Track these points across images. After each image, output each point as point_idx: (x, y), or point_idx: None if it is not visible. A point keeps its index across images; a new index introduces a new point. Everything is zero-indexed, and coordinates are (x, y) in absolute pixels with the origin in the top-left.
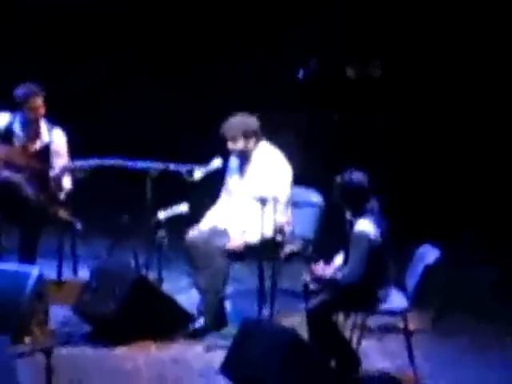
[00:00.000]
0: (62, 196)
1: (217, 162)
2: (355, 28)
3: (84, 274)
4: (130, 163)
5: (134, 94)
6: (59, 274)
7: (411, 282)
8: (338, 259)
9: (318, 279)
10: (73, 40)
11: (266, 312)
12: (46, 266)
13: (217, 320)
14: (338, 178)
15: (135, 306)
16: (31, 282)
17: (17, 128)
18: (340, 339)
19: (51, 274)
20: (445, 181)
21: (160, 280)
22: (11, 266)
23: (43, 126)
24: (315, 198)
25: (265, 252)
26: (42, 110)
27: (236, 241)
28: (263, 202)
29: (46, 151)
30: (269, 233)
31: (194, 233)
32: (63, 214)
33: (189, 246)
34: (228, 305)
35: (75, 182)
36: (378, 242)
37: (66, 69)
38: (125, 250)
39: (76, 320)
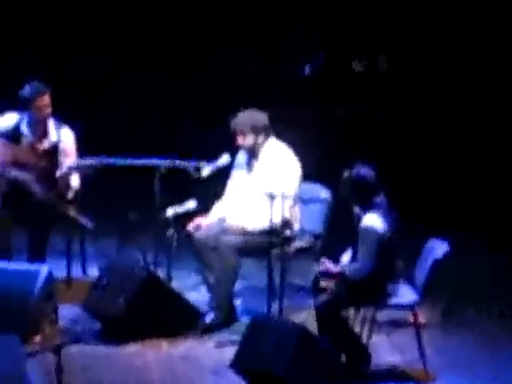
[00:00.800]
0: (71, 195)
1: (225, 159)
2: (362, 22)
3: (93, 272)
4: (138, 161)
5: (135, 89)
6: (68, 272)
7: (420, 275)
8: (346, 257)
9: (326, 273)
10: (73, 35)
11: (275, 308)
12: (55, 265)
13: (227, 316)
14: (346, 173)
15: (145, 304)
16: (40, 281)
17: (25, 128)
18: (349, 334)
19: (60, 272)
20: (453, 174)
21: (169, 277)
22: (20, 265)
23: (51, 125)
24: (323, 193)
25: (273, 244)
26: (49, 109)
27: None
28: (271, 197)
29: (54, 150)
30: (277, 224)
31: (201, 232)
32: (72, 212)
33: (198, 243)
34: (238, 301)
35: (83, 180)
36: (387, 235)
37: (66, 64)
38: (133, 247)
39: (86, 318)
